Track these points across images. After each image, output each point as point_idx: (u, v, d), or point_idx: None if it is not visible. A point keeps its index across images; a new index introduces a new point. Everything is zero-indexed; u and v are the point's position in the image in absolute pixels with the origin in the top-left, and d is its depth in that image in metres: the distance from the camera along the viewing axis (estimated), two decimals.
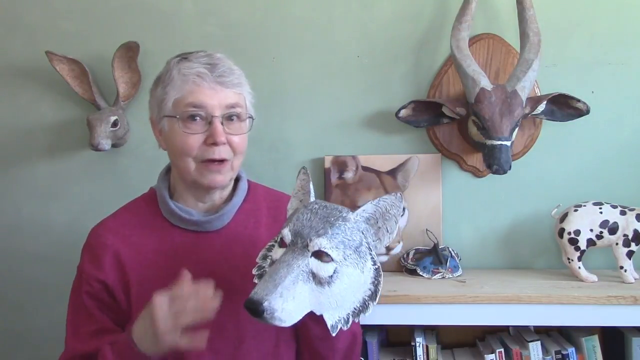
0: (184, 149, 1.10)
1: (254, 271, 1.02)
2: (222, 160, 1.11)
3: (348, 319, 0.96)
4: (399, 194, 0.96)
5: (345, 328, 0.96)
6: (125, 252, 1.13)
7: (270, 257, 1.00)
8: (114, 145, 1.69)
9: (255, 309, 0.87)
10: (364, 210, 0.96)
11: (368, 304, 0.97)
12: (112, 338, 1.10)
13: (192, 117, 1.09)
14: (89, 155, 1.76)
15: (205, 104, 1.09)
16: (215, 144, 1.09)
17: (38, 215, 1.80)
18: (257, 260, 1.03)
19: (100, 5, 1.76)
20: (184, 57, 1.14)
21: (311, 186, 1.04)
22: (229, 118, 1.11)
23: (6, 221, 1.81)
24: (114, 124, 1.65)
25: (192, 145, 1.10)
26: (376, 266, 0.98)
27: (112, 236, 1.14)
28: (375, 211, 0.97)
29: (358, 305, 0.97)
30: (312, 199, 1.03)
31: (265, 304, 0.87)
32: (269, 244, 1.04)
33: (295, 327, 1.14)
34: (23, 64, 1.78)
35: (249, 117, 1.16)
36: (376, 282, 0.97)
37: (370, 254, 0.97)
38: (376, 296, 0.97)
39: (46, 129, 1.79)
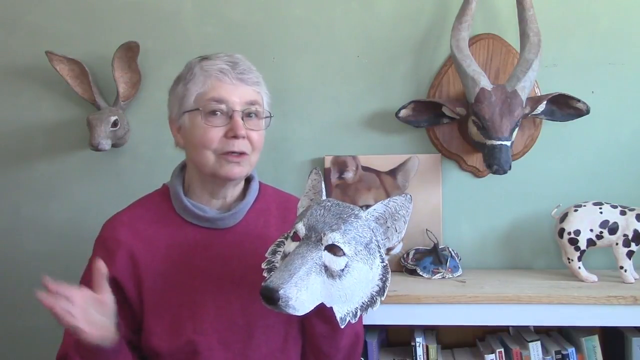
0: (205, 141, 1.13)
1: (264, 265, 1.05)
2: (240, 153, 1.13)
3: (356, 312, 0.99)
4: (408, 196, 0.99)
5: (353, 321, 0.99)
6: (139, 246, 1.14)
7: (280, 253, 1.03)
8: (114, 145, 1.69)
9: (271, 297, 0.89)
10: (374, 209, 1.00)
11: (376, 299, 1.00)
12: None
13: (214, 112, 1.12)
14: (89, 155, 1.76)
15: (226, 98, 1.12)
16: (235, 136, 1.11)
17: (38, 215, 1.80)
18: (267, 255, 1.06)
19: (100, 5, 1.76)
20: (205, 57, 1.17)
21: (323, 186, 1.07)
22: (247, 114, 1.14)
23: (6, 221, 1.81)
24: (114, 124, 1.65)
25: (212, 138, 1.12)
26: (384, 264, 1.01)
27: (126, 230, 1.15)
28: (385, 211, 1.00)
29: (366, 300, 1.00)
30: (324, 197, 1.06)
31: (281, 291, 0.89)
32: (279, 240, 1.07)
33: (302, 324, 1.17)
34: (23, 64, 1.78)
35: (267, 117, 1.19)
36: (384, 278, 1.01)
37: (379, 252, 1.00)
38: (384, 292, 1.01)
39: (46, 129, 1.79)
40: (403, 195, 0.99)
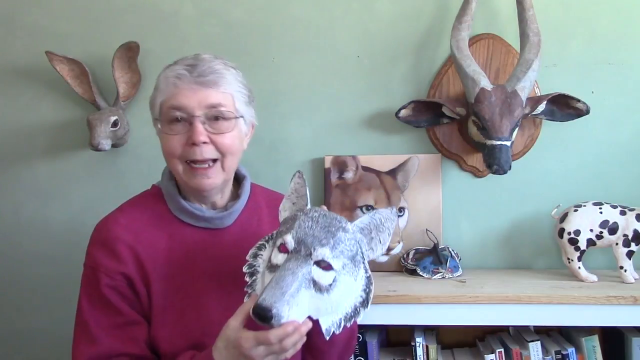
0: (168, 150, 1.13)
1: (245, 269, 1.05)
2: (208, 162, 1.12)
3: (340, 323, 1.01)
4: (394, 209, 1.04)
5: (337, 332, 1.00)
6: (140, 248, 1.12)
7: (260, 256, 1.04)
8: (114, 145, 1.69)
9: (265, 315, 0.90)
10: (360, 221, 1.02)
11: (359, 310, 1.02)
12: (141, 332, 1.11)
13: (175, 120, 1.11)
14: (89, 155, 1.76)
15: (184, 105, 1.10)
16: (194, 143, 1.10)
17: (38, 215, 1.80)
18: (248, 258, 1.06)
19: (100, 5, 1.76)
20: (175, 62, 1.15)
21: (307, 191, 1.07)
22: (213, 118, 1.12)
23: (6, 221, 1.81)
24: (114, 124, 1.65)
25: (174, 146, 1.11)
26: (368, 274, 1.03)
27: (125, 231, 1.13)
28: (370, 222, 1.02)
29: (350, 311, 1.01)
30: (309, 204, 1.06)
31: (274, 310, 0.90)
32: (259, 243, 1.07)
33: None
34: (23, 64, 1.78)
35: (238, 117, 1.15)
36: (367, 289, 1.02)
37: (363, 263, 1.02)
38: (367, 303, 1.02)
39: (46, 129, 1.79)
40: (389, 208, 1.03)
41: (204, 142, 1.10)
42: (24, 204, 1.81)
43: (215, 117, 1.11)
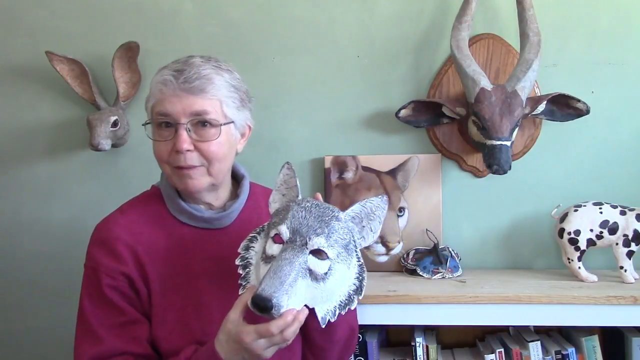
0: (157, 155, 1.14)
1: (238, 262, 1.05)
2: (192, 167, 1.12)
3: (335, 311, 1.02)
4: (385, 197, 1.04)
5: (332, 320, 1.01)
6: (140, 248, 1.13)
7: (252, 248, 1.05)
8: (114, 145, 1.69)
9: (265, 305, 0.91)
10: (352, 210, 1.03)
11: (353, 297, 1.03)
12: (143, 331, 1.11)
13: (162, 125, 1.12)
14: (89, 155, 1.76)
15: (169, 111, 1.10)
16: (178, 151, 1.10)
17: (38, 215, 1.80)
18: (240, 251, 1.06)
19: (100, 5, 1.76)
20: (167, 65, 1.14)
21: (297, 182, 1.08)
22: (199, 124, 1.11)
23: (6, 221, 1.81)
24: (114, 124, 1.65)
25: (162, 151, 1.12)
26: (360, 262, 1.04)
27: (125, 232, 1.13)
28: (361, 211, 1.04)
29: (344, 299, 1.03)
30: (299, 194, 1.07)
31: (274, 300, 0.91)
32: (251, 235, 1.08)
33: None
34: (23, 64, 1.78)
35: (225, 123, 1.13)
36: (361, 277, 1.04)
37: (356, 251, 1.04)
38: (361, 291, 1.04)
39: (46, 129, 1.79)
40: (379, 196, 1.03)
41: (188, 150, 1.10)
42: (24, 204, 1.81)
43: (202, 123, 1.11)
